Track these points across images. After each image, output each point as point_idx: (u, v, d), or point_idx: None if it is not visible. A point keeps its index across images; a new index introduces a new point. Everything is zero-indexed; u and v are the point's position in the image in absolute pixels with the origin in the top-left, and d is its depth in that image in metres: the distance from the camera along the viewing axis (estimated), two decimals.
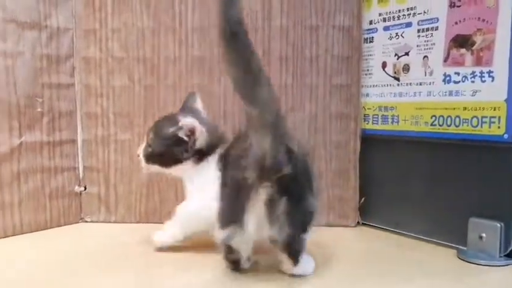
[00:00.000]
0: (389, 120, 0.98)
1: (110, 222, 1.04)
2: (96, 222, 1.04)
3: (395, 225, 0.99)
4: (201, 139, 0.81)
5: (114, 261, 0.80)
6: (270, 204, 0.66)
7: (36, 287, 0.70)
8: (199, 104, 0.88)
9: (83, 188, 1.05)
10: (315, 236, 0.72)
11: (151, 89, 1.02)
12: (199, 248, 0.83)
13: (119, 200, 1.05)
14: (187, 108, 0.87)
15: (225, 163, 0.76)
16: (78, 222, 1.04)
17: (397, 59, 0.96)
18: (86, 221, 1.05)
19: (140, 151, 0.85)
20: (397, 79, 0.97)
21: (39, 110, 0.98)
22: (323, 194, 1.01)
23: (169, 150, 0.82)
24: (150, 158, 0.84)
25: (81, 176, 1.05)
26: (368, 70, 1.02)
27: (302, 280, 0.72)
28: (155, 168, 0.84)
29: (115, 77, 1.03)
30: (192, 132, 0.80)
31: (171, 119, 0.83)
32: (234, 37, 0.60)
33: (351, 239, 0.97)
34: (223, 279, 0.72)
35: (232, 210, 0.69)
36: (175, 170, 0.84)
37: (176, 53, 1.01)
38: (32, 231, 0.97)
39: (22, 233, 0.95)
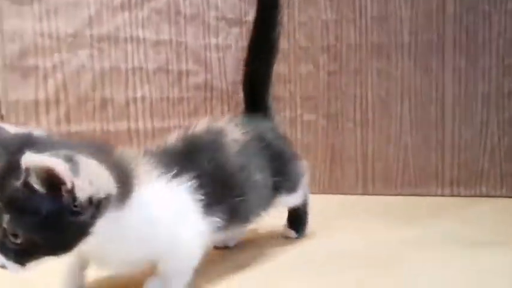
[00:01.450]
0: None
1: None
2: None
3: None
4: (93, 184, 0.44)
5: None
6: None
7: None
8: (25, 128, 0.50)
9: None
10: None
11: (334, 74, 1.15)
12: None
13: None
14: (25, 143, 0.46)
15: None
16: None
17: None
18: None
19: None
20: None
21: (240, 95, 1.13)
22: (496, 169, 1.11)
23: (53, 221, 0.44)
24: (26, 253, 0.45)
25: None
26: None
27: (494, 250, 0.77)
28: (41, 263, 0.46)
29: (301, 64, 1.16)
30: (52, 175, 0.42)
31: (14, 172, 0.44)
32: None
33: None
34: None
35: None
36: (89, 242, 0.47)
37: (357, 40, 1.13)
38: None
39: None
